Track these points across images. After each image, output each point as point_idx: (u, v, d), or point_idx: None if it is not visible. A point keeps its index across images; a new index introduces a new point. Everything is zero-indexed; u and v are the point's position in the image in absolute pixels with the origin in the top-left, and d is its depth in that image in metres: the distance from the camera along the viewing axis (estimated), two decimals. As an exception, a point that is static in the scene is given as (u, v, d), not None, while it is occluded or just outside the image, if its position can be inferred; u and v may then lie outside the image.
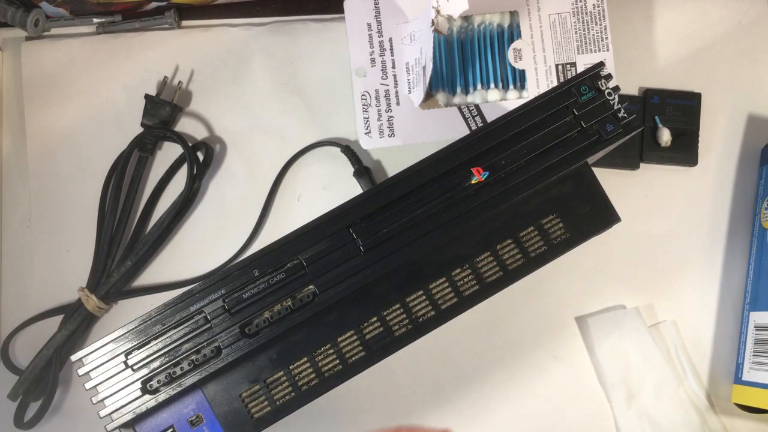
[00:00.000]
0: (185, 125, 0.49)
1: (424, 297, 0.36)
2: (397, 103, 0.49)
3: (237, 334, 0.35)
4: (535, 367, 0.47)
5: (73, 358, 0.35)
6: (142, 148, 0.47)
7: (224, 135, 0.49)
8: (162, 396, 0.34)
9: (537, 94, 0.38)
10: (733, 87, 0.50)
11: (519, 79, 0.48)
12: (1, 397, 0.45)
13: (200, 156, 0.48)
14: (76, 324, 0.45)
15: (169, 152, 0.49)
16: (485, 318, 0.47)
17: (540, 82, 0.48)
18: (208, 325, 0.35)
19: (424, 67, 0.45)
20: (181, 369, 0.34)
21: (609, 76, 0.37)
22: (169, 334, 0.35)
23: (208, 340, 0.35)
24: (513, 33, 0.49)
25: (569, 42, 0.48)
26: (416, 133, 0.48)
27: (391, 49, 0.49)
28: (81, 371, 0.35)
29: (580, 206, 0.38)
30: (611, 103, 0.37)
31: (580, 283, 0.48)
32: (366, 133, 0.48)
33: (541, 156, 0.36)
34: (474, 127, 0.48)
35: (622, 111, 0.37)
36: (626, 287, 0.48)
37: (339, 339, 0.36)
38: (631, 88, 0.50)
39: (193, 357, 0.34)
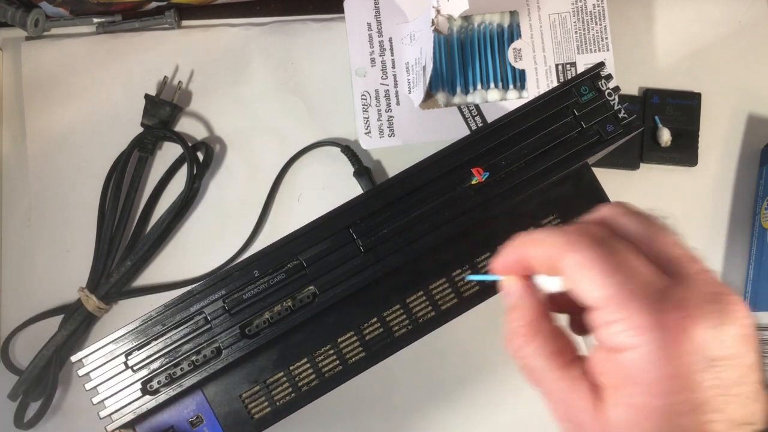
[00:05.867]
0: (185, 125, 0.49)
1: (424, 297, 0.36)
2: (397, 103, 0.49)
3: (237, 334, 0.35)
4: (535, 367, 0.47)
5: (74, 358, 0.35)
6: (142, 148, 0.47)
7: (224, 135, 0.49)
8: (162, 397, 0.34)
9: (537, 94, 0.38)
10: (733, 87, 0.50)
11: (519, 79, 0.48)
12: (1, 397, 0.45)
13: (200, 156, 0.48)
14: (76, 324, 0.45)
15: (169, 152, 0.49)
16: (485, 318, 0.47)
17: (540, 82, 0.48)
18: (209, 325, 0.35)
19: (424, 67, 0.45)
20: (182, 370, 0.34)
21: (609, 77, 0.37)
22: (169, 334, 0.35)
23: (208, 340, 0.35)
24: (513, 33, 0.49)
25: (569, 42, 0.48)
26: (416, 133, 0.48)
27: (391, 49, 0.49)
28: (81, 372, 0.35)
29: (580, 206, 0.38)
30: (611, 103, 0.37)
31: (580, 283, 0.48)
32: (366, 133, 0.48)
33: (542, 156, 0.36)
34: (474, 127, 0.48)
35: (622, 111, 0.37)
36: (626, 287, 0.48)
37: (339, 339, 0.36)
38: (631, 88, 0.50)
39: (194, 358, 0.34)
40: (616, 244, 0.23)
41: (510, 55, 0.48)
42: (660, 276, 0.23)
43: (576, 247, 0.23)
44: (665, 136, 0.48)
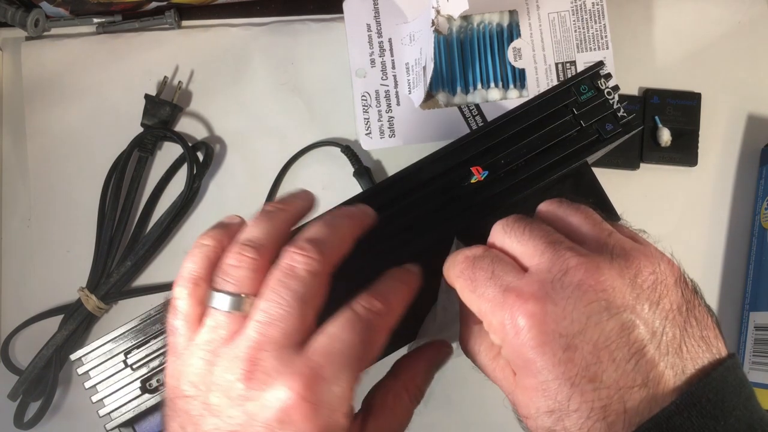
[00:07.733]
0: (185, 125, 0.49)
1: (423, 296, 0.36)
2: (398, 104, 0.49)
3: (236, 333, 0.34)
4: (535, 367, 0.47)
5: (73, 357, 0.35)
6: (142, 148, 0.47)
7: (224, 135, 0.49)
8: (161, 395, 0.34)
9: (537, 93, 0.38)
10: (733, 87, 0.50)
11: (519, 78, 0.48)
12: (1, 397, 0.45)
13: (200, 156, 0.48)
14: (76, 324, 0.45)
15: (169, 152, 0.49)
16: (485, 318, 0.47)
17: (540, 81, 0.48)
18: (208, 324, 0.35)
19: (424, 67, 0.45)
20: (181, 368, 0.34)
21: (608, 76, 0.37)
22: (168, 333, 0.35)
23: (207, 339, 0.34)
24: (513, 32, 0.49)
25: (569, 41, 0.48)
26: (417, 133, 0.48)
27: (391, 49, 0.49)
28: (80, 370, 0.35)
29: (580, 206, 0.38)
30: (611, 102, 0.37)
31: (580, 282, 0.47)
32: (366, 134, 0.48)
33: (541, 155, 0.36)
34: (474, 127, 0.48)
35: (622, 110, 0.37)
36: (626, 287, 0.48)
37: (339, 338, 0.36)
38: (631, 88, 0.50)
39: (193, 356, 0.34)
40: (479, 262, 0.29)
41: (510, 54, 0.48)
42: (517, 272, 0.27)
43: (456, 279, 0.30)
44: (665, 136, 0.48)
